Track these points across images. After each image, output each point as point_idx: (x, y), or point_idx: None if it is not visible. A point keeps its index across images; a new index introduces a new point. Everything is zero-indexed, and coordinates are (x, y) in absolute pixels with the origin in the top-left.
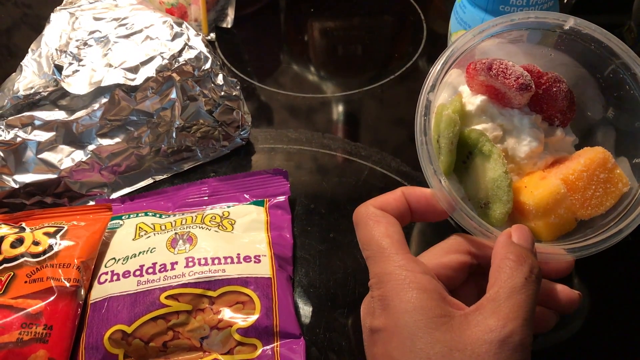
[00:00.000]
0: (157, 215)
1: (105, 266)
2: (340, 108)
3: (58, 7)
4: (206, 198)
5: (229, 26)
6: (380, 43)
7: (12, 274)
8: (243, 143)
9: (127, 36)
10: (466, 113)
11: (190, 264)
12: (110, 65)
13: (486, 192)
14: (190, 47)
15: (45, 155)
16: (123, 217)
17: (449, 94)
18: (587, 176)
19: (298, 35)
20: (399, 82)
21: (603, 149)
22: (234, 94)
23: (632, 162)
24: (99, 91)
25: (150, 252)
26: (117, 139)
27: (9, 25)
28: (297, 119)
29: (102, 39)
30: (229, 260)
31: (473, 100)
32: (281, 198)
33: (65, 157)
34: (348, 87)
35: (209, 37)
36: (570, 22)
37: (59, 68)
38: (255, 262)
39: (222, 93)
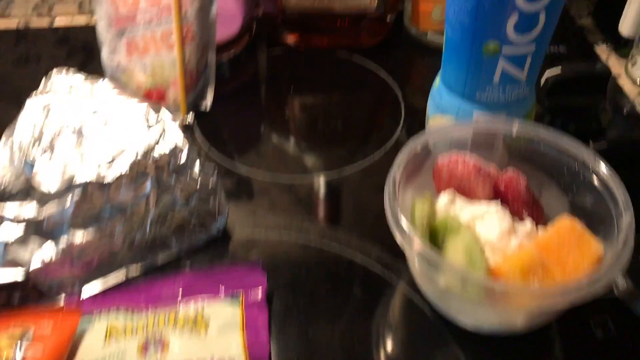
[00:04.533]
0: (130, 312)
1: None
2: (322, 189)
3: (34, 93)
4: (180, 291)
5: (207, 109)
6: (359, 119)
7: None
8: (219, 235)
9: (102, 127)
10: (436, 209)
11: None
12: (84, 159)
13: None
14: (167, 138)
15: (13, 253)
16: (94, 314)
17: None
18: (558, 239)
19: (278, 112)
20: (382, 160)
21: (568, 216)
22: (210, 183)
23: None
24: (71, 187)
25: (121, 359)
26: (89, 234)
27: None
28: (277, 200)
29: (76, 130)
30: None
31: (441, 197)
32: (257, 293)
33: (34, 255)
34: (330, 165)
35: (187, 118)
36: (516, 126)
37: (30, 163)
38: None
39: (199, 184)
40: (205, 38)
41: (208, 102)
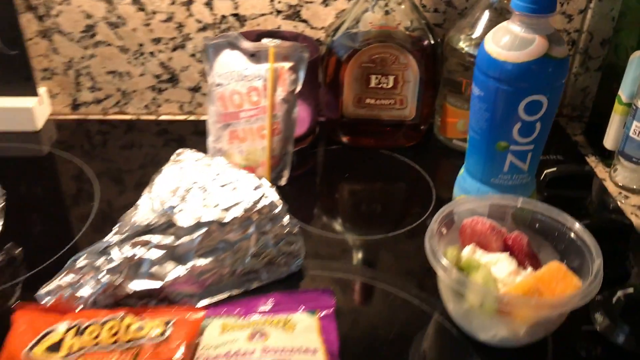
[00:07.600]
0: (235, 319)
1: (201, 350)
2: (369, 247)
3: (169, 162)
4: (270, 307)
5: (283, 184)
6: (395, 204)
7: (138, 351)
8: (297, 270)
9: (220, 187)
10: (462, 257)
11: (266, 351)
12: (208, 207)
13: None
14: (266, 196)
15: (155, 269)
16: (210, 317)
17: None
18: (549, 274)
19: (331, 194)
20: (417, 229)
21: (557, 261)
22: (294, 232)
23: None
24: (199, 225)
25: (235, 342)
26: (208, 261)
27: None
28: (337, 251)
29: (202, 188)
30: (295, 350)
31: (465, 249)
32: (329, 310)
33: (169, 272)
34: (374, 232)
35: None
36: (520, 200)
37: (171, 207)
38: (312, 353)
39: (286, 231)
40: (288, 133)
41: (284, 179)
